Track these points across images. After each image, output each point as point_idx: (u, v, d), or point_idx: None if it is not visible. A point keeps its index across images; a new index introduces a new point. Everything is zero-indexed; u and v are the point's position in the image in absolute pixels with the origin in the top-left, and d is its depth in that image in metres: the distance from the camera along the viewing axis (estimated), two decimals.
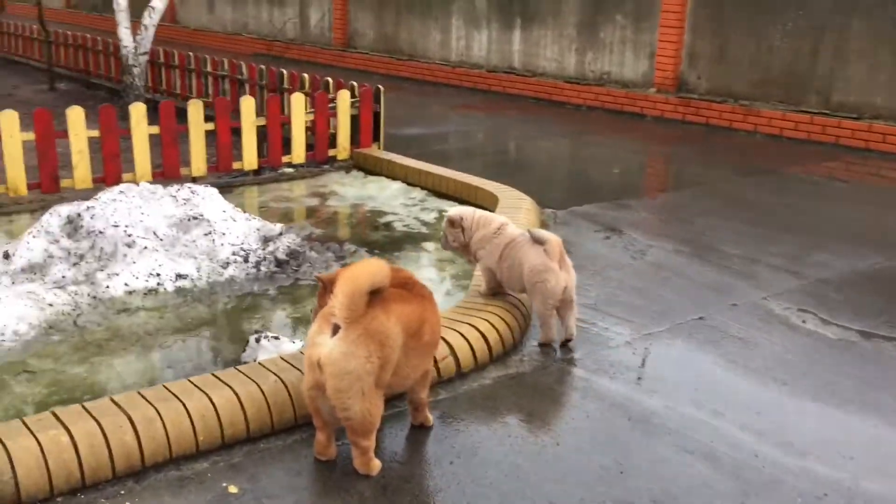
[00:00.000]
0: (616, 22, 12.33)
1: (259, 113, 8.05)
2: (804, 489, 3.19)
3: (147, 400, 3.23)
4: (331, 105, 8.37)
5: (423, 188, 7.58)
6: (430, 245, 6.04)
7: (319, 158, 8.31)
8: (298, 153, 8.13)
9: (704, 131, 10.76)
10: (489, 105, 12.74)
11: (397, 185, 7.69)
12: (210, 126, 7.56)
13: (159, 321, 4.68)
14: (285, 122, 8.06)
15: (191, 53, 11.41)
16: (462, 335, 4.03)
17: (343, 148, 8.42)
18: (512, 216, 6.08)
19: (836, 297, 5.12)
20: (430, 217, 6.75)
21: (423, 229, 6.45)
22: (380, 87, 8.62)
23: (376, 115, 8.65)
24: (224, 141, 7.65)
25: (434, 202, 7.18)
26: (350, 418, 2.97)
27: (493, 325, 4.19)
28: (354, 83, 8.74)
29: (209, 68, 10.93)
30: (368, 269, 2.94)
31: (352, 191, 7.54)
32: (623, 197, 7.39)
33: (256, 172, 8.06)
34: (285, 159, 8.10)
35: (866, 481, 3.26)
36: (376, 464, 3.15)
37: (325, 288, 3.41)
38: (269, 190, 7.57)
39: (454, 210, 4.62)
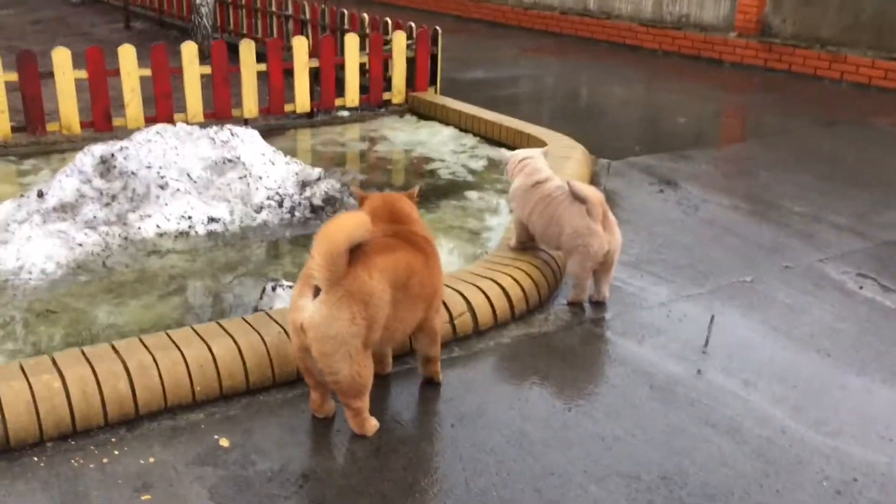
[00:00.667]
0: None
1: (315, 54, 7.91)
2: (832, 472, 2.94)
3: (146, 347, 3.18)
4: (386, 47, 8.16)
5: (475, 134, 7.35)
6: (473, 194, 5.84)
7: (374, 102, 8.15)
8: (352, 96, 7.97)
9: (786, 79, 10.14)
10: (560, 49, 12.30)
11: (449, 131, 7.48)
12: (262, 67, 7.47)
13: (188, 264, 4.64)
14: (340, 64, 7.90)
15: None
16: (482, 291, 3.85)
17: (398, 91, 8.22)
18: (559, 166, 5.83)
19: None
20: (478, 165, 6.53)
21: (469, 177, 6.24)
22: (437, 28, 8.35)
23: (434, 58, 8.41)
24: (276, 82, 7.55)
25: (484, 149, 6.95)
26: (339, 381, 2.85)
27: (517, 281, 4.00)
28: (413, 24, 8.49)
29: (273, 8, 10.82)
30: (345, 225, 2.75)
31: (402, 135, 7.37)
32: (687, 147, 7.01)
33: (310, 115, 7.96)
34: (338, 102, 7.96)
35: None
36: (372, 424, 3.04)
37: (362, 205, 3.24)
38: (320, 133, 7.46)
39: (517, 151, 4.39)
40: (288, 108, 7.70)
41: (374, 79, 8.04)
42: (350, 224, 2.75)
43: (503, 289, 3.92)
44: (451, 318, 3.68)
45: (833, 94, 9.34)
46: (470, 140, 7.21)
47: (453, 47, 12.22)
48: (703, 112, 8.58)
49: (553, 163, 5.91)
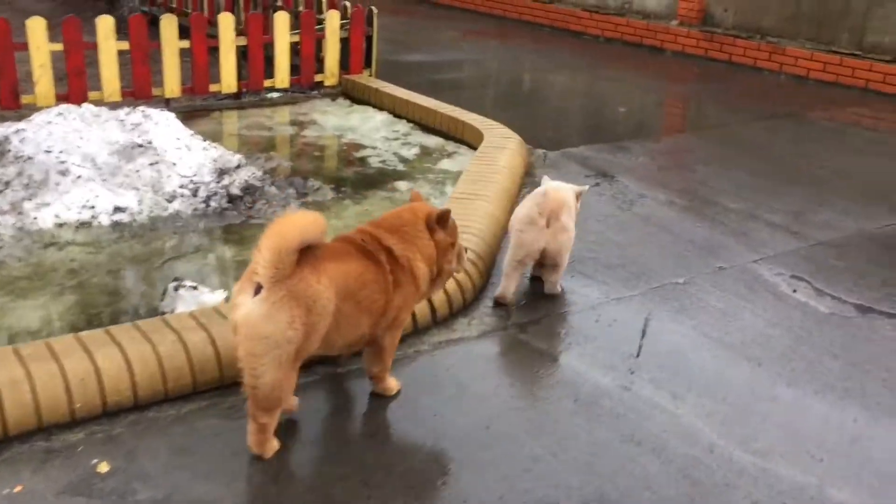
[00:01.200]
0: None
1: (244, 31, 7.53)
2: (760, 497, 2.78)
3: (20, 358, 2.87)
4: (319, 27, 7.82)
5: (409, 120, 7.08)
6: (403, 185, 5.58)
7: (305, 83, 7.81)
8: (282, 77, 7.62)
9: (726, 69, 10.07)
10: (503, 33, 12.06)
11: (383, 116, 7.19)
12: (185, 44, 7.07)
13: (89, 258, 4.30)
14: (270, 43, 7.54)
15: None
16: None
17: (331, 73, 7.90)
18: (493, 156, 5.61)
19: (835, 263, 4.63)
20: (411, 153, 6.27)
21: (400, 166, 5.98)
22: (373, 8, 8.03)
23: (369, 39, 8.10)
24: (200, 61, 7.16)
25: (418, 136, 6.69)
26: (257, 388, 2.61)
27: None
28: (347, 3, 8.16)
29: None
30: (299, 222, 2.57)
31: (333, 120, 7.06)
32: (625, 138, 6.85)
33: (237, 96, 7.59)
34: (268, 83, 7.60)
35: (834, 489, 2.84)
36: (273, 445, 2.78)
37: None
38: (246, 116, 7.10)
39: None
40: (213, 88, 7.32)
41: (306, 59, 7.70)
42: (304, 222, 2.58)
43: None
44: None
45: (772, 86, 9.29)
46: (403, 126, 6.94)
47: (394, 28, 11.91)
48: (643, 102, 8.43)
49: (489, 153, 5.71)
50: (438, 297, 3.70)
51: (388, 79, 7.97)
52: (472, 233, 4.22)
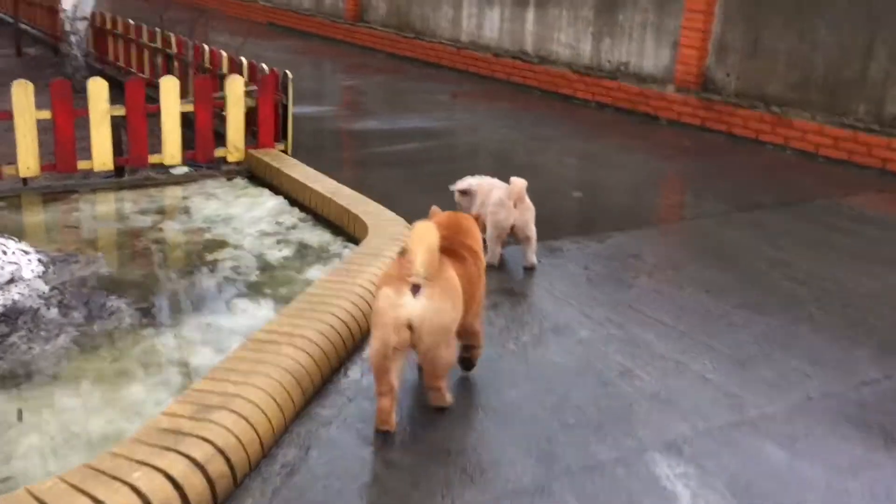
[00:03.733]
0: (637, 3, 10.28)
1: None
2: None
3: None
4: (219, 94, 6.71)
5: (305, 208, 5.89)
6: (242, 303, 4.35)
7: (200, 159, 6.69)
8: (170, 152, 6.51)
9: (724, 142, 8.70)
10: (488, 94, 10.90)
11: (276, 203, 6.00)
12: (45, 114, 6.00)
13: None
14: (154, 113, 6.45)
15: (131, 21, 9.91)
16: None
17: (235, 148, 6.76)
18: (358, 267, 4.36)
19: (748, 467, 3.22)
20: (279, 256, 5.04)
21: (254, 275, 4.75)
22: (287, 72, 6.91)
23: (283, 108, 6.96)
24: (64, 133, 6.08)
25: (303, 231, 5.47)
26: (438, 365, 3.16)
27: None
28: (264, 65, 7.06)
29: (146, 39, 9.43)
30: (433, 228, 3.03)
31: (212, 207, 5.88)
32: (564, 234, 5.53)
33: (118, 174, 6.49)
34: (154, 159, 6.49)
35: None
36: (449, 397, 3.32)
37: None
38: (109, 200, 5.97)
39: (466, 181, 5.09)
40: (83, 165, 6.23)
41: (200, 132, 6.58)
42: (434, 229, 3.03)
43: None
44: None
45: (774, 164, 7.89)
46: (293, 217, 5.73)
47: (365, 89, 10.85)
48: (611, 183, 7.10)
49: (370, 253, 4.45)
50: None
51: (316, 153, 6.90)
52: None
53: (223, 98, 6.64)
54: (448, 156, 7.57)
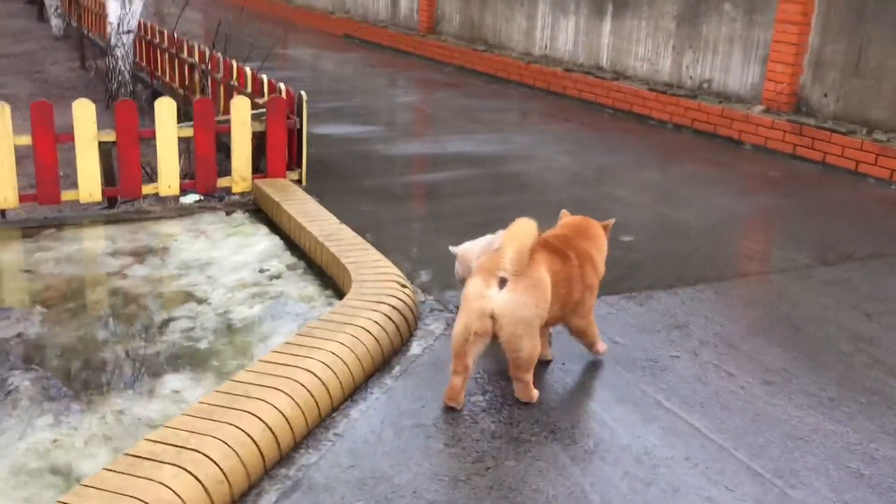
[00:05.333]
0: (724, 13, 9.15)
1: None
2: None
3: None
4: (222, 118, 6.02)
5: (299, 251, 5.11)
6: (175, 381, 3.57)
7: (202, 189, 5.99)
8: (167, 181, 5.84)
9: (817, 173, 7.50)
10: (554, 114, 9.94)
11: (267, 245, 5.24)
12: (24, 140, 5.42)
13: None
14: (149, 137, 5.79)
15: (174, 34, 9.40)
16: None
17: (240, 177, 6.04)
18: (332, 333, 3.53)
19: None
20: (248, 314, 4.26)
21: (206, 341, 3.97)
22: (302, 93, 6.15)
23: (297, 133, 6.22)
24: (45, 162, 5.47)
25: (286, 283, 4.67)
26: (520, 357, 3.30)
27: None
28: (281, 84, 6.34)
29: (185, 53, 8.90)
30: (530, 228, 3.26)
31: (195, 248, 5.15)
32: (604, 290, 4.55)
33: (111, 205, 5.87)
34: (148, 189, 5.84)
35: None
36: (535, 392, 3.44)
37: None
38: (82, 237, 5.32)
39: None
40: (67, 196, 5.62)
41: (201, 159, 5.89)
42: (531, 227, 3.27)
43: None
44: None
45: (874, 202, 6.67)
46: (282, 263, 4.95)
47: (422, 106, 10.07)
48: (670, 224, 6.03)
49: (313, 331, 3.62)
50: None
51: (338, 182, 6.21)
52: None
53: (228, 122, 5.93)
54: (485, 188, 6.67)
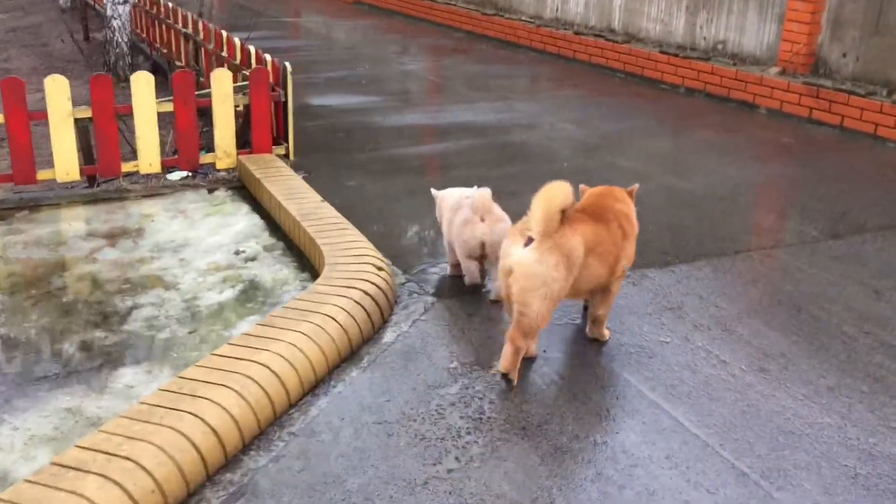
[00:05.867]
0: None
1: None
2: None
3: None
4: (202, 91, 5.79)
5: (279, 231, 4.90)
6: (128, 375, 3.39)
7: (184, 166, 5.79)
8: (147, 159, 5.64)
9: (834, 138, 7.15)
10: (563, 79, 9.61)
11: (246, 224, 5.03)
12: None
13: None
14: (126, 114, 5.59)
15: (169, 3, 9.16)
16: None
17: (224, 153, 5.83)
18: (295, 322, 3.33)
19: None
20: (218, 300, 4.06)
21: (168, 332, 3.77)
22: (287, 64, 5.90)
23: (283, 106, 5.98)
24: (18, 141, 5.29)
25: (262, 266, 4.46)
26: (525, 315, 3.18)
27: None
28: (267, 55, 6.10)
29: (180, 24, 8.66)
30: (561, 191, 3.16)
31: (172, 228, 4.96)
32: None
33: (91, 184, 5.69)
34: (128, 167, 5.64)
35: None
36: (517, 372, 3.26)
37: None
38: (58, 218, 5.13)
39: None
40: (44, 175, 5.44)
41: (182, 135, 5.68)
42: (563, 190, 3.16)
43: None
44: None
45: (892, 169, 6.32)
46: (259, 244, 4.74)
47: (427, 74, 9.81)
48: (675, 195, 5.72)
49: (270, 327, 3.41)
50: None
51: (329, 156, 6.06)
52: None
53: (209, 95, 5.70)
54: (486, 159, 6.40)
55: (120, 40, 9.66)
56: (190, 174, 5.97)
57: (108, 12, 9.58)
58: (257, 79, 5.74)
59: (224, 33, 7.14)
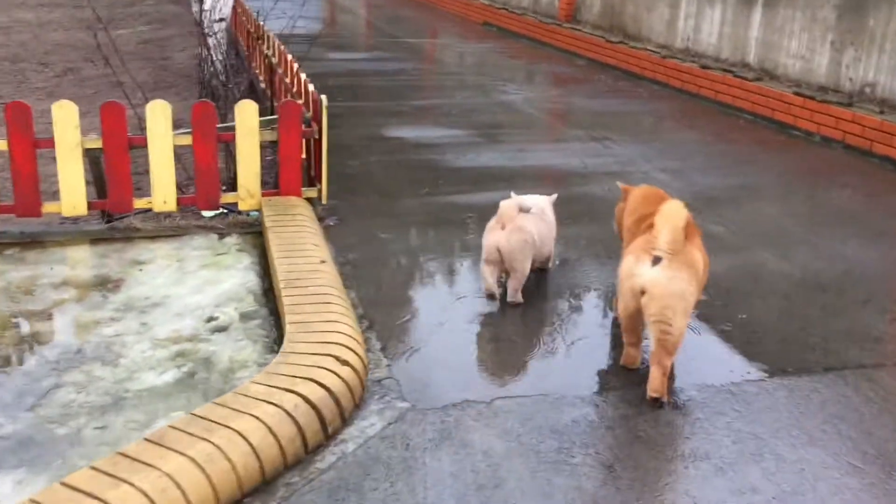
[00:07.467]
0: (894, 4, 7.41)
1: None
2: None
3: None
4: (228, 124, 5.22)
5: (272, 291, 4.23)
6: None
7: (202, 205, 5.23)
8: (161, 195, 5.10)
9: None
10: (679, 118, 8.56)
11: (236, 281, 4.37)
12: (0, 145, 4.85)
13: None
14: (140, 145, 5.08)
15: (262, 23, 8.77)
16: None
17: (248, 192, 5.22)
18: (207, 431, 2.61)
19: None
20: (155, 383, 3.40)
21: (73, 424, 3.14)
22: (323, 97, 5.24)
23: (317, 143, 5.33)
24: (22, 171, 4.88)
25: (228, 339, 3.78)
26: (670, 334, 3.20)
27: None
28: (311, 86, 5.48)
29: (265, 45, 8.27)
30: (683, 210, 3.29)
31: (157, 281, 4.36)
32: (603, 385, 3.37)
33: (107, 219, 5.22)
34: (141, 203, 5.13)
35: None
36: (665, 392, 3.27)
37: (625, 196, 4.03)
38: (43, 259, 4.64)
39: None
40: (49, 207, 5.01)
41: (201, 171, 5.11)
42: (682, 209, 3.29)
43: None
44: None
45: None
46: (240, 309, 4.06)
47: (525, 107, 9.00)
48: (759, 279, 4.61)
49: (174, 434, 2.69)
50: None
51: (370, 201, 5.35)
52: None
53: (232, 129, 5.12)
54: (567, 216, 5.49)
55: (215, 58, 9.36)
56: (225, 211, 5.43)
57: (205, 30, 9.31)
58: (287, 112, 5.11)
59: (289, 57, 6.61)
